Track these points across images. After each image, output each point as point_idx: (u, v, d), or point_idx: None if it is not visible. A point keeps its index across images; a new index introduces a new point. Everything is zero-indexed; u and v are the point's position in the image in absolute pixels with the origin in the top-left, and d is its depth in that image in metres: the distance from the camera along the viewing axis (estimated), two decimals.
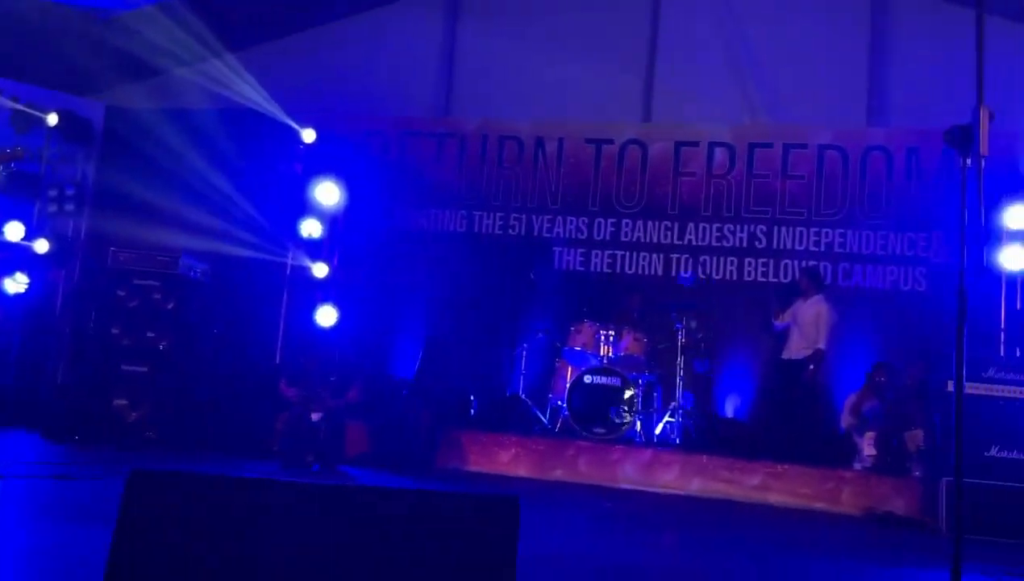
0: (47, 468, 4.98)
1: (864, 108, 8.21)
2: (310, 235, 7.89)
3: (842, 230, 7.87)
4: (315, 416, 5.89)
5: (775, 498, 6.12)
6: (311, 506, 1.60)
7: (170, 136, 7.94)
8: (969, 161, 2.39)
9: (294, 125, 7.98)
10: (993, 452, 5.33)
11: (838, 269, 7.83)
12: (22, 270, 7.63)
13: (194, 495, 1.55)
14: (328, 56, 8.96)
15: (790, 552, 4.46)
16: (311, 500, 1.62)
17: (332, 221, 8.16)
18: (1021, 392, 5.41)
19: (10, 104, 7.80)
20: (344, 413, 6.06)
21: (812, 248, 7.89)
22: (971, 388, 5.40)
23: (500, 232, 8.51)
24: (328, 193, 7.92)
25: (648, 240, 8.26)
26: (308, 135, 8.01)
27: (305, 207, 7.96)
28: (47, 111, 7.90)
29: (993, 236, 7.03)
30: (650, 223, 8.28)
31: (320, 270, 7.95)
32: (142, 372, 6.33)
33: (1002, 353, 6.91)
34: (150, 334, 6.38)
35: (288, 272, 8.08)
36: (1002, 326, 7.10)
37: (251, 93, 7.98)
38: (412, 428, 6.55)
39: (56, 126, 7.91)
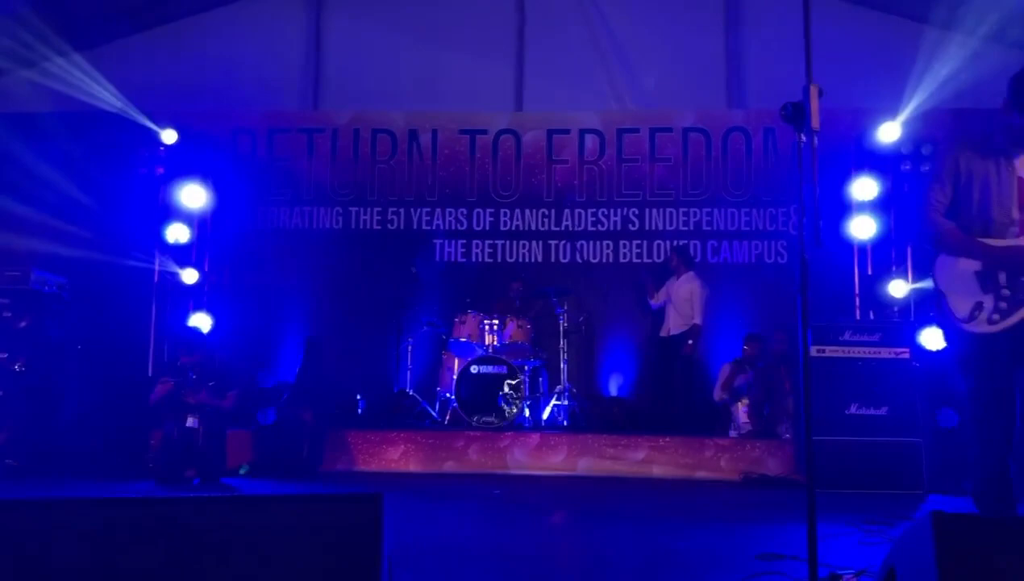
0: None
1: (724, 91, 8.56)
2: (176, 240, 7.56)
3: (708, 209, 8.20)
4: (191, 421, 5.65)
5: (659, 470, 6.33)
6: (173, 522, 1.53)
7: (14, 143, 7.42)
8: (803, 136, 2.52)
9: (152, 126, 7.60)
10: (852, 410, 5.69)
11: (707, 246, 8.16)
12: None
13: (33, 522, 1.46)
14: (189, 52, 8.58)
15: (670, 518, 4.63)
16: (173, 516, 1.55)
17: (200, 224, 7.85)
18: (874, 352, 5.80)
19: None
20: (223, 420, 5.84)
21: (682, 228, 8.20)
22: (830, 351, 5.76)
23: (379, 227, 8.41)
24: (193, 195, 7.61)
25: (527, 228, 8.36)
26: (169, 136, 7.65)
27: (169, 211, 7.62)
28: None
29: (844, 208, 7.49)
30: (528, 211, 8.38)
31: (190, 276, 7.65)
32: None
33: (857, 317, 7.39)
34: (2, 355, 5.95)
35: (156, 279, 7.71)
36: (856, 292, 7.59)
37: (103, 94, 7.55)
38: (295, 432, 6.39)
39: None
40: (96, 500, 1.42)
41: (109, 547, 1.40)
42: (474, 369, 6.90)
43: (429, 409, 7.31)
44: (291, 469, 6.22)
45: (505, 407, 6.81)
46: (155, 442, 5.86)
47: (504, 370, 6.89)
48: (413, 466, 6.53)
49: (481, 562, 3.44)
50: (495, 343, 7.14)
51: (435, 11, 8.66)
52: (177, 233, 7.52)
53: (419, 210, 8.43)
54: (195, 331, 7.17)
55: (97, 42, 8.28)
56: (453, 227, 8.39)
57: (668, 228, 8.21)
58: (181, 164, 7.69)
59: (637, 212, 8.27)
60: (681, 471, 6.32)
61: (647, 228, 8.24)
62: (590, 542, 4.02)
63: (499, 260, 8.33)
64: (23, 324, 6.04)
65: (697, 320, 7.30)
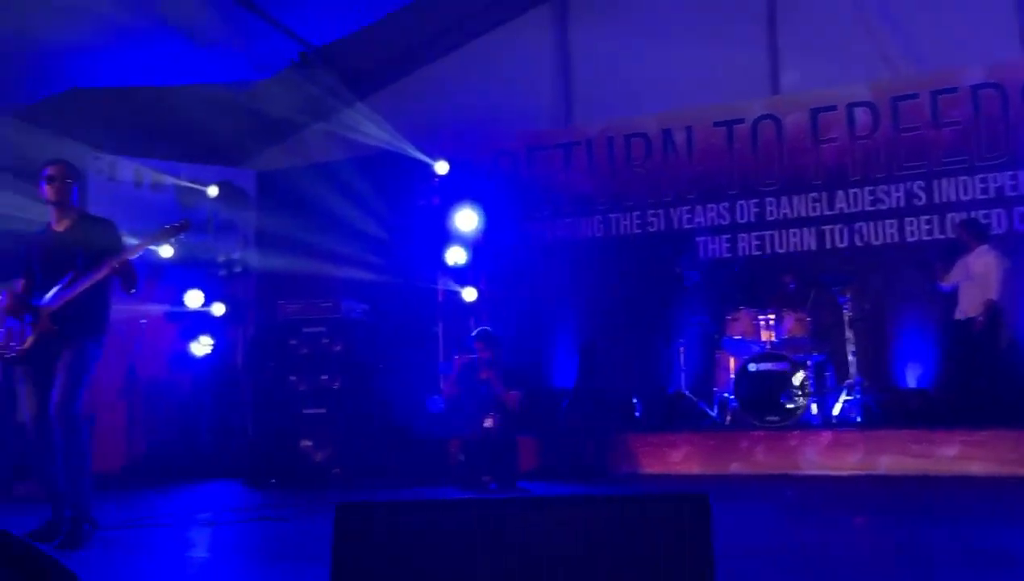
0: (252, 512, 5.38)
1: (1017, 36, 7.56)
2: (456, 262, 8.13)
3: (1011, 172, 7.26)
4: (488, 422, 6.03)
5: (978, 468, 5.69)
6: (516, 521, 1.65)
7: (315, 190, 8.44)
8: None
9: (427, 160, 8.28)
10: None
11: (1013, 214, 7.22)
12: (205, 333, 8.32)
13: (400, 522, 1.65)
14: (450, 87, 9.23)
15: (994, 518, 4.13)
16: (516, 515, 1.67)
17: (474, 246, 8.39)
18: None
19: (176, 182, 8.57)
20: (513, 423, 6.16)
21: (979, 196, 7.33)
22: None
23: (639, 230, 8.45)
24: (467, 219, 8.15)
25: (796, 215, 7.95)
26: (441, 167, 8.29)
27: (447, 236, 8.22)
28: (208, 184, 8.63)
29: None
30: (795, 198, 7.97)
31: (469, 294, 8.18)
32: (321, 414, 6.73)
33: None
34: (324, 377, 6.78)
35: (440, 299, 8.36)
36: None
37: (384, 136, 8.36)
38: (579, 437, 6.59)
39: (217, 197, 8.62)
40: (495, 501, 1.58)
41: (512, 541, 1.54)
42: (752, 367, 6.68)
43: (707, 410, 7.19)
44: (578, 473, 6.42)
45: (790, 405, 6.52)
46: (455, 450, 6.35)
47: (785, 366, 6.60)
48: (696, 468, 6.46)
49: (791, 562, 3.31)
50: (772, 339, 6.87)
51: (676, 6, 8.55)
52: (456, 255, 8.10)
53: (679, 209, 8.34)
54: (490, 330, 7.61)
55: (374, 89, 9.19)
56: (715, 222, 8.20)
57: (963, 198, 7.37)
58: (454, 191, 8.29)
59: (923, 185, 7.53)
60: (1007, 468, 5.62)
61: (936, 201, 7.47)
62: (907, 542, 3.70)
63: (768, 252, 8.00)
64: (337, 348, 6.84)
65: (992, 296, 6.48)
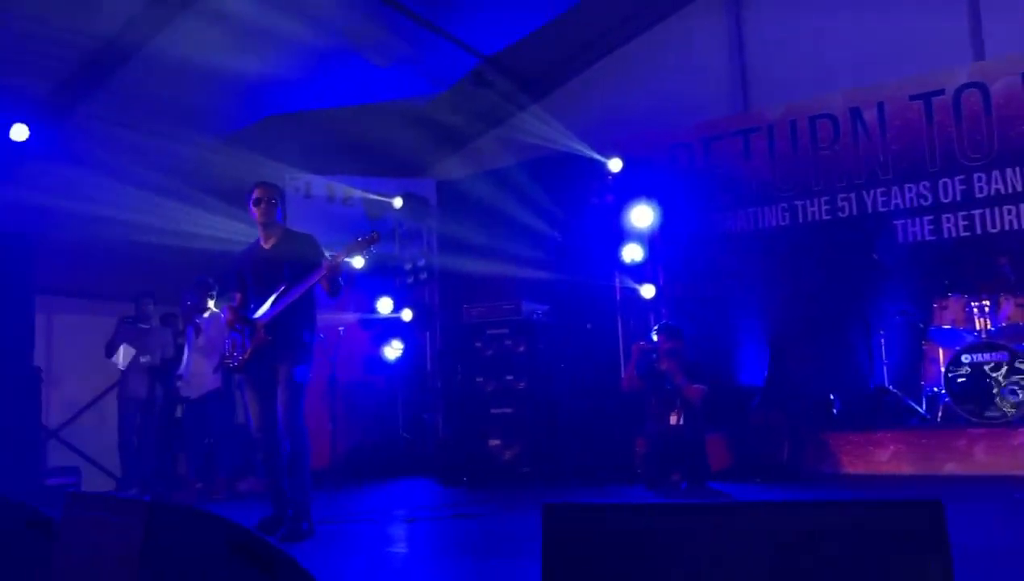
0: (448, 509, 5.58)
1: None
2: (632, 260, 8.04)
3: None
4: (674, 419, 5.90)
5: None
6: (724, 527, 1.59)
7: (492, 195, 8.64)
8: None
9: (600, 158, 8.25)
10: None
11: None
12: (396, 338, 8.74)
13: (607, 524, 1.63)
14: (621, 83, 9.15)
15: None
16: (724, 521, 1.61)
17: (650, 242, 8.25)
18: None
19: (364, 196, 9.08)
20: (701, 420, 5.98)
21: None
22: None
23: (828, 216, 7.96)
24: (642, 215, 8.03)
25: (1009, 190, 7.19)
26: (615, 164, 8.22)
27: (623, 233, 8.14)
28: (392, 196, 9.07)
29: None
30: (1008, 171, 7.21)
31: (648, 291, 8.05)
32: (508, 413, 6.87)
33: None
34: (509, 377, 6.92)
35: (618, 297, 8.29)
36: None
37: (557, 138, 8.42)
38: (772, 436, 6.31)
39: (401, 208, 9.04)
40: (703, 506, 1.54)
41: (723, 549, 1.49)
42: (966, 358, 6.11)
43: (914, 405, 6.65)
44: (771, 473, 6.14)
45: (1012, 399, 5.90)
46: (640, 448, 6.26)
47: (1005, 356, 5.98)
48: (906, 468, 5.99)
49: None
50: (988, 327, 6.25)
51: None
52: (632, 253, 8.00)
53: (872, 192, 7.78)
54: (672, 323, 7.48)
55: (546, 91, 9.29)
56: (915, 204, 7.57)
57: None
58: (628, 188, 8.19)
59: None
60: None
61: None
62: None
63: (977, 233, 7.28)
64: (521, 349, 6.96)
65: None
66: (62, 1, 6.19)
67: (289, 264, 4.85)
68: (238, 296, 4.97)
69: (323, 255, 4.90)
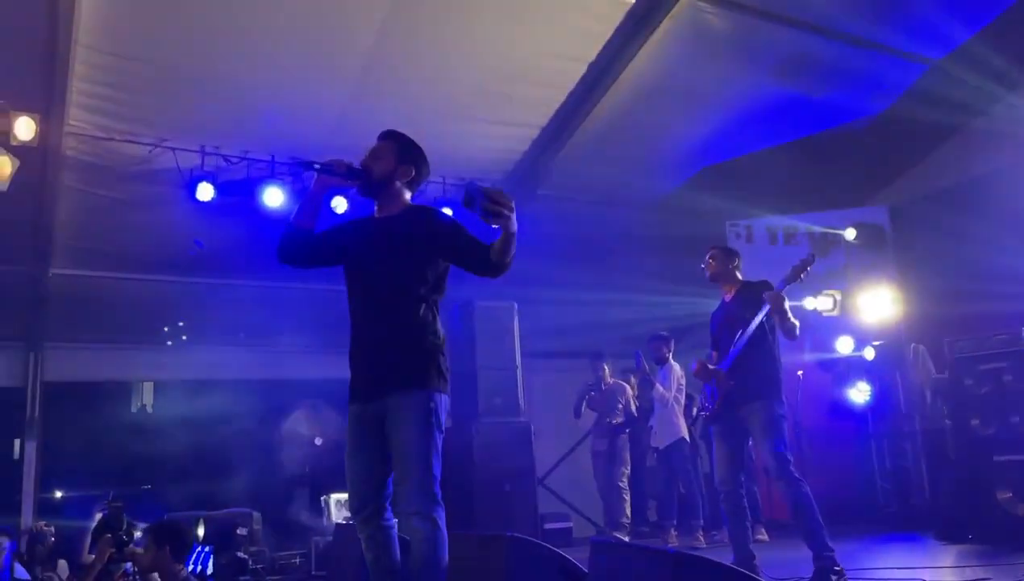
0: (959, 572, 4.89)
1: None
2: None
3: None
4: None
5: None
6: None
7: (951, 215, 7.66)
8: None
9: None
10: None
11: None
12: (861, 379, 8.10)
13: None
14: None
15: None
16: None
17: None
18: None
19: (808, 231, 8.70)
20: None
21: None
22: None
23: None
24: None
25: None
26: None
27: None
28: (839, 228, 8.55)
29: None
30: None
31: None
32: (1019, 461, 5.83)
33: None
34: (1014, 419, 5.89)
35: None
36: None
37: None
38: None
39: (855, 239, 8.47)
40: None
41: None
42: None
43: None
44: None
45: None
46: None
47: None
48: None
49: None
50: None
51: None
52: None
53: None
54: None
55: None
56: None
57: None
58: None
59: None
60: None
61: None
62: None
63: None
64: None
65: None
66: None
67: (749, 312, 4.91)
68: (714, 354, 5.11)
69: (769, 288, 4.92)
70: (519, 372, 7.82)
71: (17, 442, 8.75)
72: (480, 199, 2.82)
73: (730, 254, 5.21)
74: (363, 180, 3.31)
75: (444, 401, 3.13)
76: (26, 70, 5.91)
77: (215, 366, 9.02)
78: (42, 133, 5.92)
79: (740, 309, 4.95)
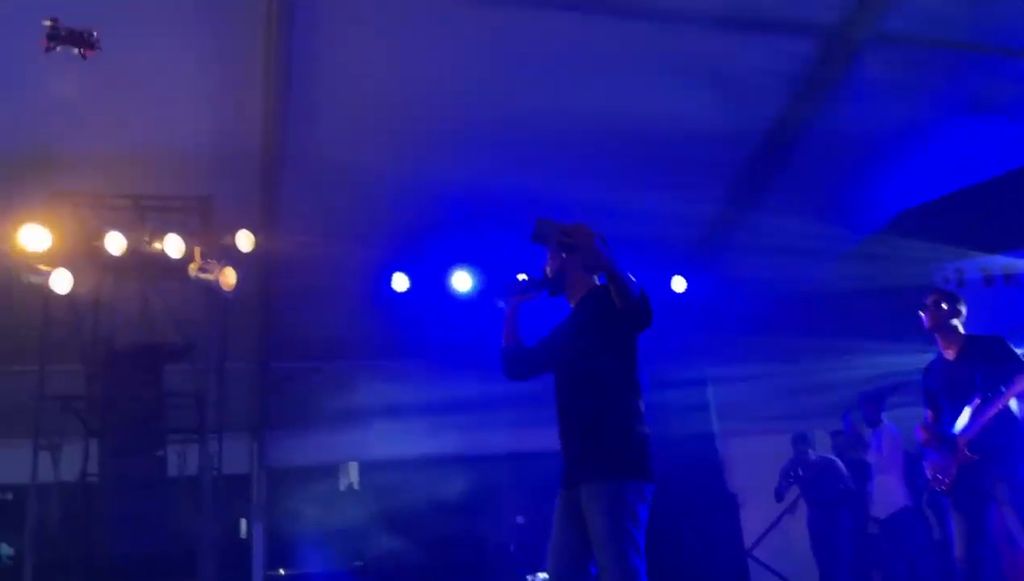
0: None
1: None
2: None
3: None
4: None
5: None
6: None
7: None
8: None
9: None
10: None
11: None
12: None
13: None
14: None
15: None
16: None
17: None
18: None
19: None
20: None
21: None
22: None
23: None
24: None
25: None
26: None
27: None
28: None
29: None
30: None
31: None
32: None
33: None
34: None
35: None
36: None
37: None
38: None
39: None
40: None
41: None
42: None
43: None
44: None
45: None
46: None
47: None
48: None
49: None
50: None
51: None
52: None
53: None
54: None
55: None
56: None
57: None
58: None
59: None
60: None
61: None
62: None
63: None
64: None
65: None
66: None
67: (981, 374, 4.46)
68: (930, 414, 4.70)
69: (1015, 356, 4.42)
70: (718, 442, 7.58)
71: (243, 523, 9.44)
72: (553, 233, 2.79)
73: (954, 300, 4.75)
74: (541, 287, 3.47)
75: (640, 490, 3.06)
76: (244, 189, 6.59)
77: (419, 445, 9.36)
78: (259, 243, 6.59)
79: (968, 370, 4.51)
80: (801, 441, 7.87)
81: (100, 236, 6.08)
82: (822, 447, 8.31)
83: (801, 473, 7.81)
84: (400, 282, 7.40)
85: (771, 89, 6.40)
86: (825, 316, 8.32)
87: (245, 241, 6.50)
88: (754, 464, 8.77)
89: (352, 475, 11.75)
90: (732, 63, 6.16)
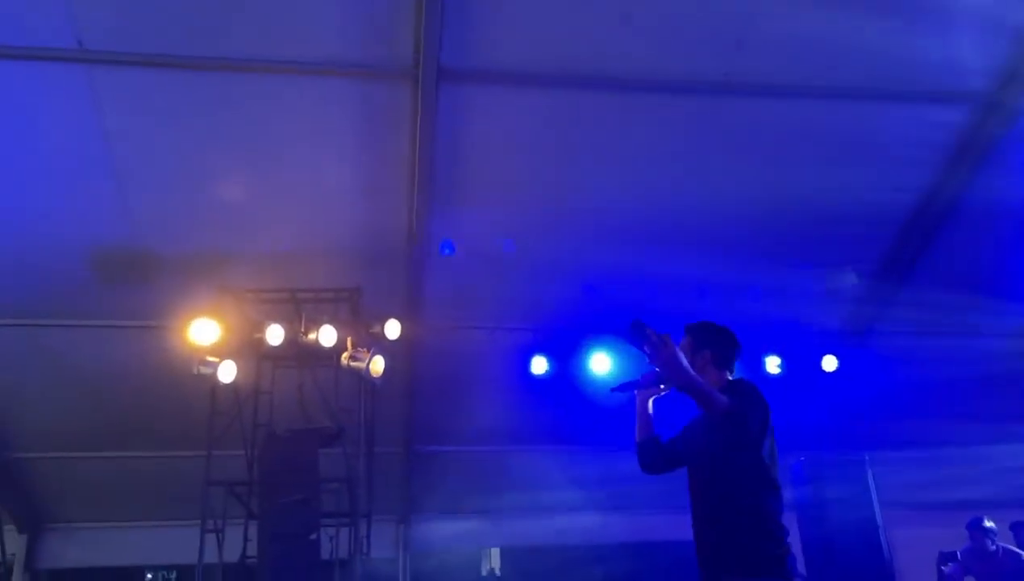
0: None
1: None
2: None
3: None
4: None
5: None
6: None
7: None
8: None
9: None
10: None
11: None
12: None
13: None
14: None
15: None
16: None
17: None
18: None
19: None
20: None
21: None
22: None
23: None
24: None
25: None
26: None
27: None
28: None
29: None
30: None
31: None
32: None
33: None
34: None
35: None
36: None
37: None
38: None
39: None
40: None
41: None
42: None
43: None
44: None
45: None
46: None
47: None
48: None
49: None
50: None
51: None
52: None
53: None
54: None
55: None
56: None
57: None
58: None
59: None
60: None
61: None
62: None
63: None
64: None
65: None
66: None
67: None
68: None
69: None
70: (881, 532, 7.02)
71: None
72: (640, 340, 2.95)
73: None
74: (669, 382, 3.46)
75: None
76: (390, 278, 6.89)
77: (562, 531, 9.19)
78: (405, 331, 6.83)
79: None
80: (979, 528, 7.14)
81: (262, 328, 6.49)
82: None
83: (975, 563, 7.08)
84: (539, 365, 7.44)
85: (921, 161, 6.15)
86: (995, 396, 7.66)
87: (392, 329, 6.76)
88: (920, 547, 8.05)
89: (494, 560, 11.68)
90: (881, 135, 5.99)
